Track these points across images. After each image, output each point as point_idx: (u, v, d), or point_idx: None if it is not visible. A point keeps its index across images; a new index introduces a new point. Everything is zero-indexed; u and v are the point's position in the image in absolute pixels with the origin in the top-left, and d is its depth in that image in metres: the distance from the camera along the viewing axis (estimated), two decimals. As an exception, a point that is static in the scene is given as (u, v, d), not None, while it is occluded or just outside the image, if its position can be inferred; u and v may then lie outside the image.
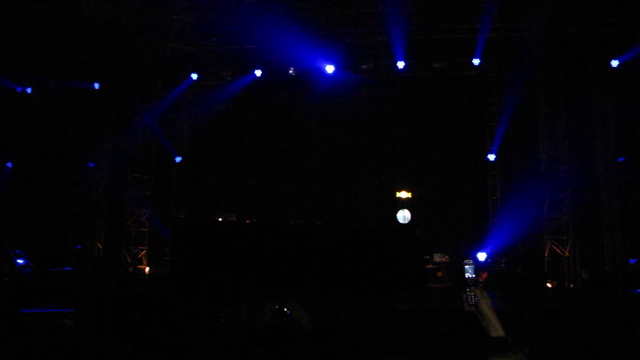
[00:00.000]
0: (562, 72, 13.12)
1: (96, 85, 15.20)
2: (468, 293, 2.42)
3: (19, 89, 15.01)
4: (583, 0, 12.34)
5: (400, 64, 13.79)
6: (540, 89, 13.26)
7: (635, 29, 12.55)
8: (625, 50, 12.60)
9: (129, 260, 14.44)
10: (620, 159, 12.89)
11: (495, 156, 13.77)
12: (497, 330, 2.38)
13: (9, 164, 15.12)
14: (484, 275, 12.50)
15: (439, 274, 12.25)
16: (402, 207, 12.24)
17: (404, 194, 12.13)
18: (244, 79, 15.06)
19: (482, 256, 12.83)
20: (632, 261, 12.33)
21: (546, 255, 12.80)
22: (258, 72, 14.78)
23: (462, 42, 13.65)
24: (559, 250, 12.69)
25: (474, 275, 2.45)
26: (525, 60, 13.24)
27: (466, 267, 2.45)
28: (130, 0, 13.59)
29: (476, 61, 13.59)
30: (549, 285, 12.41)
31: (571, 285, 12.46)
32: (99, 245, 14.82)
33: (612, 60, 12.76)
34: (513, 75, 13.45)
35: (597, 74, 13.25)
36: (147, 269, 14.59)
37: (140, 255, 14.65)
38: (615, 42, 12.79)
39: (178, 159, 15.45)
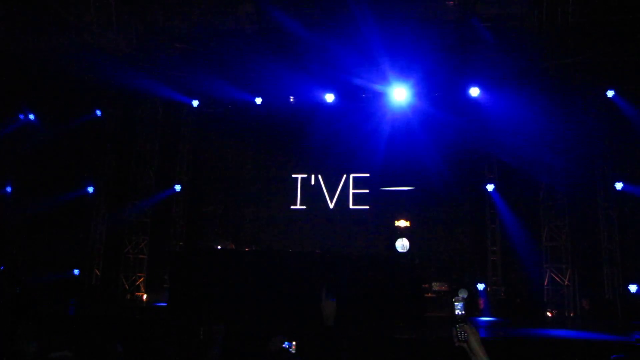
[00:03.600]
0: (561, 100, 13.25)
1: (98, 112, 15.38)
2: (458, 329, 2.43)
3: (21, 116, 15.14)
4: (580, 30, 12.50)
5: (400, 92, 13.89)
6: (539, 117, 13.37)
7: (630, 60, 12.72)
8: (620, 79, 12.78)
9: (127, 287, 14.38)
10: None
11: (494, 185, 13.79)
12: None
13: (9, 188, 15.17)
14: (481, 303, 12.44)
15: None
16: (401, 236, 12.23)
17: (402, 223, 12.13)
18: (244, 106, 15.18)
19: (481, 285, 12.78)
20: (636, 290, 12.20)
21: (546, 283, 12.74)
22: (258, 100, 14.90)
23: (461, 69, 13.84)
24: (558, 279, 12.64)
25: (463, 312, 2.46)
26: (522, 87, 13.39)
27: (456, 303, 2.47)
28: (133, 28, 13.79)
29: (475, 90, 13.67)
30: (548, 314, 12.34)
31: (572, 314, 12.37)
32: (97, 272, 14.79)
33: (608, 91, 12.89)
34: (510, 102, 13.60)
35: (594, 103, 13.38)
36: (144, 297, 14.52)
37: (138, 283, 14.59)
38: (612, 72, 12.96)
39: (178, 187, 15.47)
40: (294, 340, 3.18)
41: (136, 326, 9.13)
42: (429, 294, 12.51)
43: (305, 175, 15.13)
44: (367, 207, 14.56)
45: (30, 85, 14.53)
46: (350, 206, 14.69)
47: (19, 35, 13.42)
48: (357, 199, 14.72)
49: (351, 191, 14.77)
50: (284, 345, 3.11)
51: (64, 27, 13.10)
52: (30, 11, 12.75)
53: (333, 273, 10.22)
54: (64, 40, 13.44)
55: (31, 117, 15.28)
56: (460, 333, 2.43)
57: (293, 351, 3.10)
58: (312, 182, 15.02)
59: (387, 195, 14.34)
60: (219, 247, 12.53)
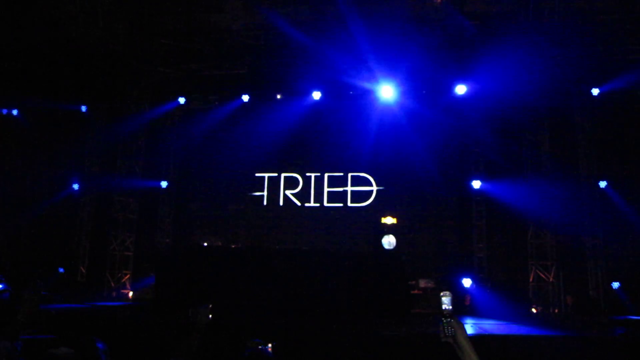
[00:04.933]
0: (546, 99, 13.35)
1: (83, 108, 15.20)
2: (445, 324, 2.44)
3: (4, 111, 14.95)
4: (565, 29, 12.60)
5: (387, 90, 13.92)
6: (524, 116, 13.46)
7: (615, 58, 12.86)
8: (605, 78, 12.89)
9: (113, 285, 14.27)
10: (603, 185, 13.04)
11: (480, 182, 13.85)
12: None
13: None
14: (468, 299, 12.51)
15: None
16: (388, 233, 12.24)
17: (389, 220, 12.16)
18: (231, 103, 15.11)
19: (467, 282, 12.85)
20: (619, 286, 12.37)
21: (531, 280, 12.85)
22: (245, 97, 14.84)
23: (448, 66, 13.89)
24: (543, 276, 12.75)
25: (450, 307, 2.47)
26: (509, 86, 13.47)
27: (443, 298, 2.48)
28: (119, 25, 13.67)
29: (461, 88, 13.72)
30: (533, 310, 12.45)
31: (556, 311, 12.50)
32: (82, 269, 14.66)
33: (593, 89, 13.01)
34: (498, 100, 13.68)
35: (579, 102, 13.50)
36: (130, 294, 14.42)
37: (124, 280, 14.49)
38: (597, 71, 13.08)
39: (164, 184, 15.37)
40: (270, 342, 3.16)
41: (121, 323, 9.08)
42: (416, 291, 12.55)
43: (290, 174, 15.10)
44: (358, 204, 14.57)
45: (14, 79, 14.34)
46: (345, 203, 14.71)
47: (2, 29, 13.25)
48: (346, 196, 14.74)
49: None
50: (260, 347, 3.09)
51: (49, 21, 12.96)
52: (15, 5, 12.58)
53: (320, 270, 10.23)
54: (48, 34, 13.30)
55: (14, 112, 15.09)
56: (447, 328, 2.44)
57: (270, 352, 3.08)
58: (299, 180, 15.00)
59: (375, 193, 14.36)
60: (206, 244, 12.49)
